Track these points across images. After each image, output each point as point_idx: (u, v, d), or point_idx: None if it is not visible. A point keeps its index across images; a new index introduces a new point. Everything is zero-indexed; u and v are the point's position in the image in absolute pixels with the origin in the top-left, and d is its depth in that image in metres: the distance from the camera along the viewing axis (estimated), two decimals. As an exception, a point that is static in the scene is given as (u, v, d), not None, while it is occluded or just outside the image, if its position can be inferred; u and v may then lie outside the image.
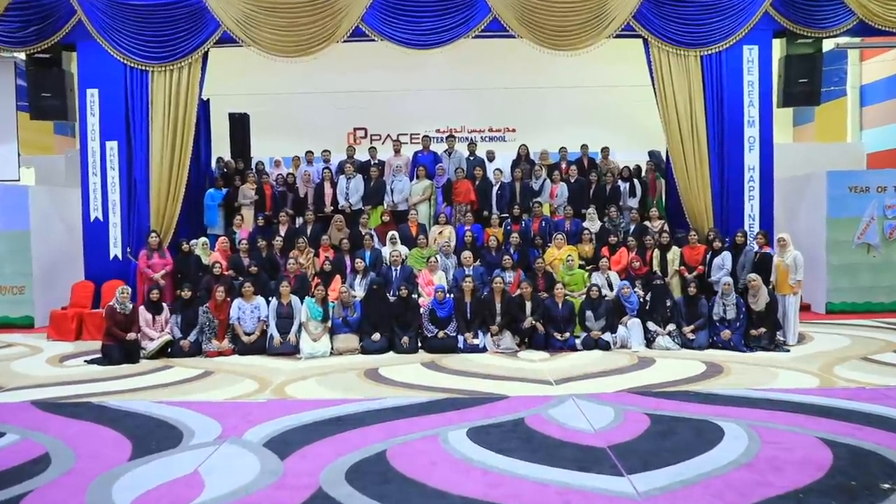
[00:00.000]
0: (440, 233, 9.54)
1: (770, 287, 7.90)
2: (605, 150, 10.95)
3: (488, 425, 4.96)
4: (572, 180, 10.30)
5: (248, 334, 7.79)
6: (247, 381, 6.48)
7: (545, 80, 13.79)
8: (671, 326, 7.80)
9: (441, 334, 7.71)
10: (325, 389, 6.17)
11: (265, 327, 7.89)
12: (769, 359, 7.12)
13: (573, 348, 7.69)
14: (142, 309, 7.78)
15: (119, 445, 4.64)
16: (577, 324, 7.96)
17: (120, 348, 7.39)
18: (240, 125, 12.51)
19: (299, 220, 10.02)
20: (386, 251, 9.14)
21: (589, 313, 7.87)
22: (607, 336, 7.76)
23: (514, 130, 14.69)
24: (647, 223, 9.70)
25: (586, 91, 13.94)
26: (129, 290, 7.75)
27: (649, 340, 7.79)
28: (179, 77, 9.51)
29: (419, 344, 7.85)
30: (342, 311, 7.94)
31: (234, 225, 9.78)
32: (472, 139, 11.06)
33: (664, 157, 10.66)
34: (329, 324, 7.89)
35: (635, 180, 10.52)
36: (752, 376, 6.37)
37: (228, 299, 8.00)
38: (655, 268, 8.88)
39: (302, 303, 7.94)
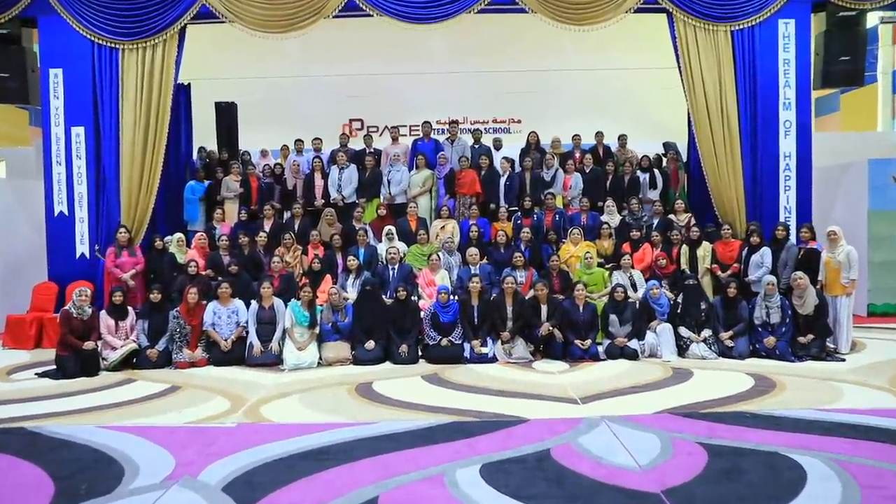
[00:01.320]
0: (442, 228, 8.53)
1: (818, 287, 6.89)
2: (622, 139, 9.93)
3: (506, 460, 3.95)
4: (587, 170, 9.28)
5: (225, 342, 6.78)
6: (217, 400, 5.46)
7: (553, 70, 12.80)
8: (707, 332, 6.79)
9: (444, 342, 6.70)
10: (308, 410, 5.15)
11: (244, 334, 6.88)
12: (825, 370, 6.11)
13: (595, 357, 6.67)
14: (103, 314, 6.76)
15: (38, 489, 3.62)
16: (600, 329, 6.95)
17: (76, 359, 6.36)
18: (227, 115, 11.50)
19: (287, 215, 9.00)
20: (382, 248, 8.13)
21: (613, 317, 6.86)
22: (634, 343, 6.75)
23: (519, 122, 13.63)
24: (671, 216, 8.68)
25: (596, 81, 12.87)
26: (88, 291, 6.72)
27: (682, 348, 6.78)
28: (153, 56, 8.49)
29: (419, 353, 6.84)
30: (332, 316, 6.92)
31: (215, 219, 8.77)
32: (477, 128, 10.01)
33: (678, 149, 9.71)
34: (317, 330, 6.88)
35: (656, 171, 9.51)
36: (813, 393, 5.36)
37: (203, 302, 6.99)
38: (683, 266, 7.88)
39: (286, 306, 6.93)
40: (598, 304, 7.13)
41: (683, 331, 6.83)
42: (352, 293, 7.37)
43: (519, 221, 8.47)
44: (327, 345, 6.80)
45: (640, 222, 8.56)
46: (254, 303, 6.94)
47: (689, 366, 6.36)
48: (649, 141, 10.67)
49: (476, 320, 6.86)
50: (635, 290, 7.52)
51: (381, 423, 4.71)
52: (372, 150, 9.50)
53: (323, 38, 13.02)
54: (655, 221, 8.61)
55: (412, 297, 7.31)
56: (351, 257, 7.69)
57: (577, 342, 6.71)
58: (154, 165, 8.57)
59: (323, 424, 4.69)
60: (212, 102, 11.36)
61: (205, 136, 10.82)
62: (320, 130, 11.32)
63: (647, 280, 7.71)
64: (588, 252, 7.80)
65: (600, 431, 4.47)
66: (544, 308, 6.85)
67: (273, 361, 6.66)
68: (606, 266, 8.03)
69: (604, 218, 8.63)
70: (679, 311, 6.94)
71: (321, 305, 7.06)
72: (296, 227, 8.59)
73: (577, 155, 9.59)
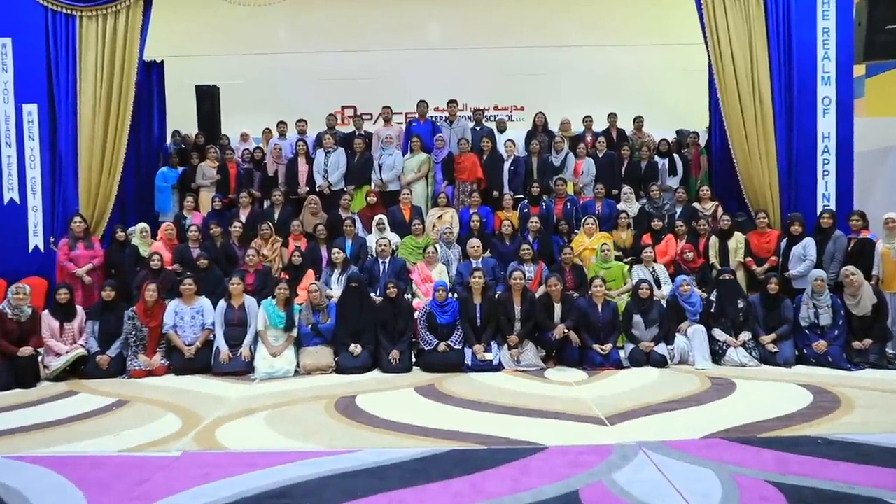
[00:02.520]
0: (440, 217, 7.54)
1: (873, 284, 5.92)
2: (638, 121, 8.96)
3: (524, 509, 2.98)
4: (600, 155, 8.30)
5: (189, 346, 5.79)
6: (168, 418, 4.48)
7: (558, 55, 11.82)
8: (746, 335, 5.81)
9: (442, 347, 5.72)
10: (274, 433, 4.15)
11: (211, 338, 5.90)
12: (892, 382, 5.13)
13: (617, 365, 5.69)
14: (46, 314, 5.77)
15: None
16: (621, 332, 5.97)
17: (9, 368, 5.38)
18: (208, 100, 10.59)
19: (267, 204, 8.03)
20: (372, 239, 7.15)
21: (637, 318, 5.87)
22: (661, 348, 5.77)
23: (522, 109, 12.65)
24: (695, 205, 7.71)
25: (603, 67, 11.90)
26: (28, 289, 5.73)
27: (716, 353, 5.80)
28: (115, 24, 7.49)
29: (413, 360, 5.86)
30: (312, 317, 5.94)
31: (185, 208, 7.79)
32: (478, 109, 8.97)
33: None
34: (294, 333, 5.90)
35: (675, 156, 8.55)
36: (891, 412, 4.38)
37: (165, 301, 6.00)
38: (713, 259, 6.90)
39: (259, 305, 5.95)
40: (619, 304, 6.16)
41: (719, 333, 5.85)
42: (336, 291, 6.39)
43: (526, 210, 7.49)
44: (306, 350, 5.81)
45: (661, 211, 7.58)
46: (222, 302, 5.95)
47: (729, 375, 5.38)
48: (662, 130, 9.70)
49: (479, 322, 5.87)
50: (659, 286, 6.54)
51: (363, 451, 3.73)
52: (362, 133, 8.51)
53: (313, 20, 12.16)
54: (678, 210, 7.64)
55: (405, 295, 6.34)
56: (336, 250, 6.71)
57: (596, 347, 5.73)
58: (117, 148, 7.58)
59: (289, 454, 3.71)
60: (192, 86, 10.51)
61: (185, 122, 9.87)
62: (310, 117, 10.35)
63: (671, 276, 6.75)
64: (605, 244, 6.82)
65: (639, 463, 3.49)
66: (558, 307, 5.87)
67: (243, 370, 5.67)
68: (625, 260, 7.06)
69: (621, 206, 7.65)
70: (713, 310, 5.96)
71: (299, 305, 6.08)
72: (276, 216, 7.61)
73: (589, 138, 8.61)
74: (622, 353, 5.85)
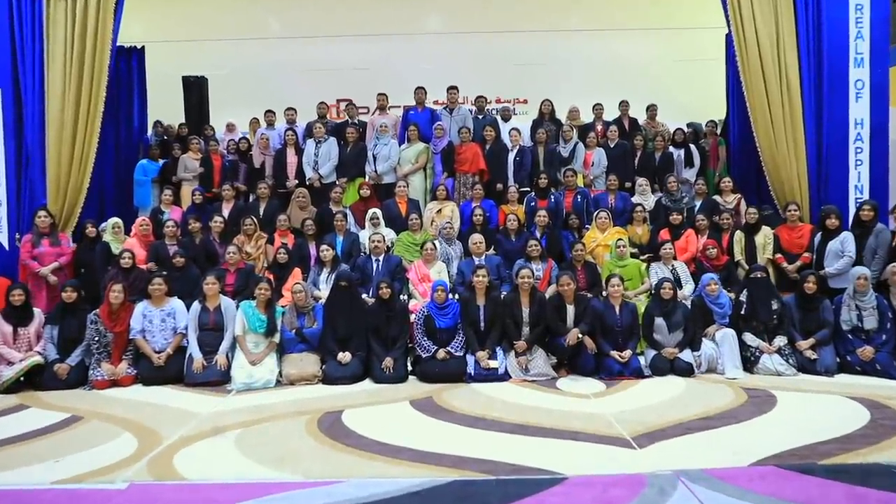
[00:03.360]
0: (439, 211, 6.90)
1: (921, 282, 5.27)
2: (651, 109, 8.33)
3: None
4: (612, 145, 7.66)
5: (158, 353, 5.15)
6: (123, 439, 3.83)
7: (560, 44, 11.20)
8: (781, 340, 5.17)
9: (442, 354, 5.07)
10: (244, 458, 3.50)
11: (184, 344, 5.25)
12: (955, 393, 4.48)
13: (638, 374, 5.05)
14: (-3, 318, 5.14)
15: None
16: (641, 337, 5.33)
17: (-48, 378, 4.75)
18: (196, 91, 10.02)
19: (253, 198, 7.38)
20: (365, 236, 6.51)
21: (660, 321, 5.23)
22: (687, 355, 5.12)
23: (525, 102, 12.03)
24: (716, 198, 7.07)
25: (609, 56, 11.26)
26: (-23, 289, 5.11)
27: (748, 361, 5.15)
28: (86, 5, 6.84)
29: (408, 368, 5.21)
30: (296, 321, 5.30)
31: (163, 202, 7.14)
32: (481, 97, 8.29)
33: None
34: (276, 339, 5.25)
35: (692, 146, 7.90)
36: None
37: (135, 303, 5.36)
38: (738, 256, 6.27)
39: (238, 307, 5.31)
40: (638, 305, 5.51)
41: (750, 338, 5.21)
42: (324, 291, 5.74)
43: (533, 203, 6.85)
44: (290, 357, 5.17)
45: (679, 205, 6.94)
46: (196, 304, 5.30)
47: (765, 385, 4.73)
48: (672, 121, 9.05)
49: (482, 325, 5.23)
50: (680, 286, 5.89)
51: (345, 483, 3.09)
52: (355, 122, 7.88)
53: (306, 6, 11.52)
54: (698, 204, 7.00)
55: (400, 297, 5.71)
56: (325, 247, 6.06)
57: (614, 353, 5.08)
58: (89, 138, 6.91)
59: (256, 486, 3.07)
60: (179, 76, 9.92)
61: (171, 114, 9.26)
62: (304, 110, 9.72)
63: (692, 274, 6.11)
64: (620, 239, 6.18)
65: (680, 499, 2.85)
66: (570, 309, 5.22)
67: (218, 379, 5.03)
68: (642, 257, 6.42)
69: (636, 199, 7.01)
70: (743, 312, 5.31)
71: (283, 307, 5.44)
72: (261, 210, 6.98)
73: (600, 127, 7.96)
74: (642, 360, 5.21)
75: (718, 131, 8.27)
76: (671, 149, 7.87)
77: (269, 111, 8.21)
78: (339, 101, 12.07)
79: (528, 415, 4.15)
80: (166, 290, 5.30)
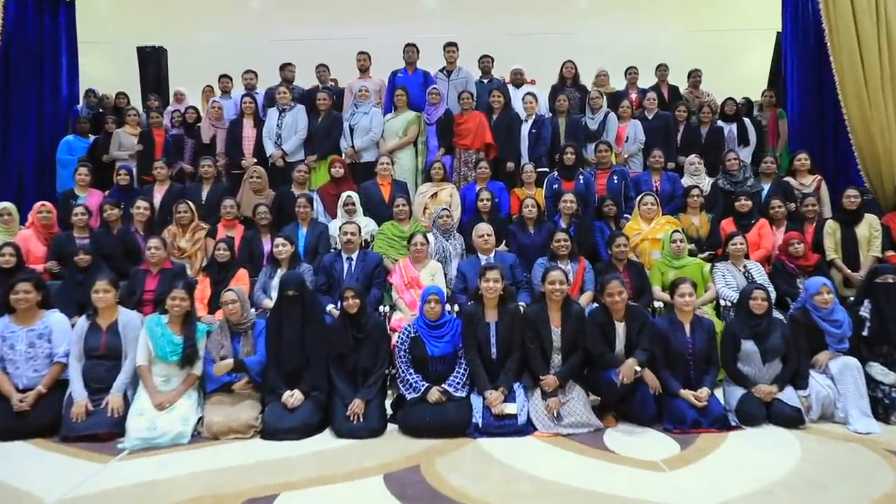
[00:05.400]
0: (434, 195, 5.26)
1: None
2: (694, 75, 6.69)
3: None
4: (649, 117, 6.02)
5: (24, 392, 3.46)
6: None
7: (572, 21, 9.52)
8: (924, 374, 3.51)
9: (435, 395, 3.40)
10: None
11: (66, 376, 3.57)
12: None
13: (723, 423, 3.37)
14: None
15: None
16: (722, 367, 3.67)
17: None
18: (153, 63, 8.43)
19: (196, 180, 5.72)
20: (335, 226, 4.85)
21: (749, 347, 3.56)
22: (790, 395, 3.46)
23: (533, 83, 10.33)
24: (788, 179, 5.43)
25: (630, 34, 9.59)
26: None
27: (880, 403, 3.48)
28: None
29: (387, 414, 3.54)
30: (228, 346, 3.61)
31: (77, 184, 5.47)
32: (486, 56, 6.56)
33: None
34: (197, 371, 3.58)
35: (746, 120, 6.27)
36: None
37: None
38: (831, 254, 4.63)
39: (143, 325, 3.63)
40: (718, 323, 3.86)
41: (880, 371, 3.55)
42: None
43: (556, 186, 5.19)
44: (215, 400, 3.50)
45: (742, 188, 5.30)
46: (81, 320, 3.62)
47: (919, 445, 3.08)
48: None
49: (494, 352, 3.54)
50: (757, 294, 4.24)
51: None
52: (328, 86, 6.22)
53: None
54: (766, 188, 5.35)
55: (378, 309, 4.05)
56: (281, 240, 4.41)
57: (687, 394, 3.42)
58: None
59: None
60: (133, 48, 8.41)
61: (125, 88, 7.60)
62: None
63: (770, 276, 4.47)
64: (676, 231, 4.53)
65: None
66: (620, 328, 3.55)
67: (107, 432, 3.34)
68: (700, 255, 4.78)
69: (686, 181, 5.36)
70: (866, 333, 3.65)
71: (208, 325, 3.76)
72: (203, 194, 5.32)
73: (634, 96, 6.32)
74: (718, 395, 3.55)
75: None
76: (720, 123, 6.24)
77: (224, 76, 6.56)
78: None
79: (568, 498, 2.49)
80: (38, 299, 3.61)
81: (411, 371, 3.49)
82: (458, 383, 3.46)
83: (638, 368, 3.37)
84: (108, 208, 4.86)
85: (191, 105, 6.34)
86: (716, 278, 4.42)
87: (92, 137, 6.47)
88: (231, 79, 6.56)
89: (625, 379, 3.31)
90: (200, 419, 3.45)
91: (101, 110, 6.88)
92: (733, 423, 3.40)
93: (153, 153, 6.10)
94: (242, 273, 4.46)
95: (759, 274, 4.44)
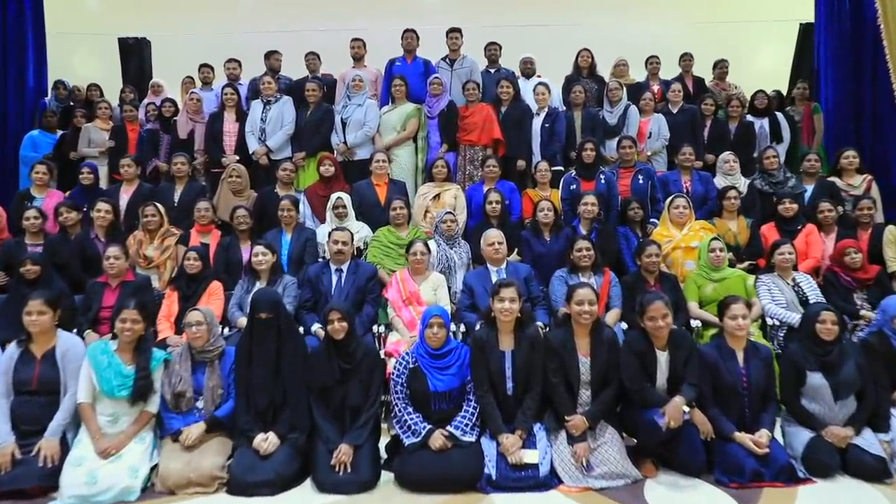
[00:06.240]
0: (436, 197, 4.63)
1: None
2: (720, 66, 6.06)
3: None
4: (674, 110, 5.40)
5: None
6: None
7: (577, 12, 8.87)
8: None
9: (439, 441, 2.76)
10: None
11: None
12: None
13: (789, 475, 2.75)
14: None
15: None
16: (782, 404, 3.04)
17: None
18: (136, 55, 7.89)
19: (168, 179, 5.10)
20: (323, 232, 4.23)
21: (817, 380, 2.91)
22: (869, 441, 2.84)
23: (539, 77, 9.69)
24: (833, 180, 4.81)
25: (635, 25, 8.96)
26: None
27: (972, 449, 2.87)
28: None
29: (381, 460, 2.91)
30: (188, 378, 2.97)
31: (35, 183, 4.84)
32: (494, 44, 5.90)
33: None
34: (153, 408, 2.94)
35: (778, 114, 5.67)
36: None
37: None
38: (894, 265, 4.01)
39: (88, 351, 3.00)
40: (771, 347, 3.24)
41: (974, 410, 2.93)
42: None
43: (573, 186, 4.57)
44: (170, 445, 2.87)
45: (782, 189, 4.69)
46: (13, 347, 2.99)
47: None
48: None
49: (510, 387, 2.90)
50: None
51: None
52: (318, 76, 5.61)
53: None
54: (809, 189, 4.73)
55: (372, 330, 3.43)
56: (261, 248, 3.78)
57: (743, 438, 2.79)
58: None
59: None
60: (115, 39, 7.84)
61: (106, 85, 6.96)
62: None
63: (821, 288, 3.86)
64: (715, 238, 3.91)
65: None
66: (663, 357, 2.92)
67: (37, 487, 2.72)
68: (739, 265, 4.16)
69: (720, 182, 4.74)
70: (952, 362, 3.03)
71: (166, 352, 3.12)
72: (176, 196, 4.70)
73: (656, 87, 5.70)
74: (778, 436, 2.93)
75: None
76: (748, 117, 5.63)
77: (204, 65, 5.93)
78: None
79: None
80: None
81: (410, 410, 2.86)
82: (466, 425, 2.84)
83: (686, 409, 2.75)
84: (65, 211, 4.25)
85: (168, 98, 5.70)
86: (760, 293, 3.80)
87: (60, 133, 5.86)
88: (213, 69, 5.93)
89: (672, 423, 2.69)
90: (154, 468, 2.82)
91: (71, 104, 6.25)
92: (801, 475, 2.78)
93: (126, 149, 5.49)
94: (216, 286, 3.84)
95: (811, 288, 3.83)
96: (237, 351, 2.98)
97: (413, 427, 2.82)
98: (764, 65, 7.97)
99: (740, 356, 2.98)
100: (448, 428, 2.82)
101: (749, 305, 3.06)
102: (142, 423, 2.90)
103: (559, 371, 2.89)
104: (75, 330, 3.59)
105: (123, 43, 7.93)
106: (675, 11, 8.60)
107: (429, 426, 2.81)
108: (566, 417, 2.85)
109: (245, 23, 8.80)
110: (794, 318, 3.60)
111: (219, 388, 2.96)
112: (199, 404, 2.94)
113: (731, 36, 8.11)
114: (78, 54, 8.40)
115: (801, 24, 7.31)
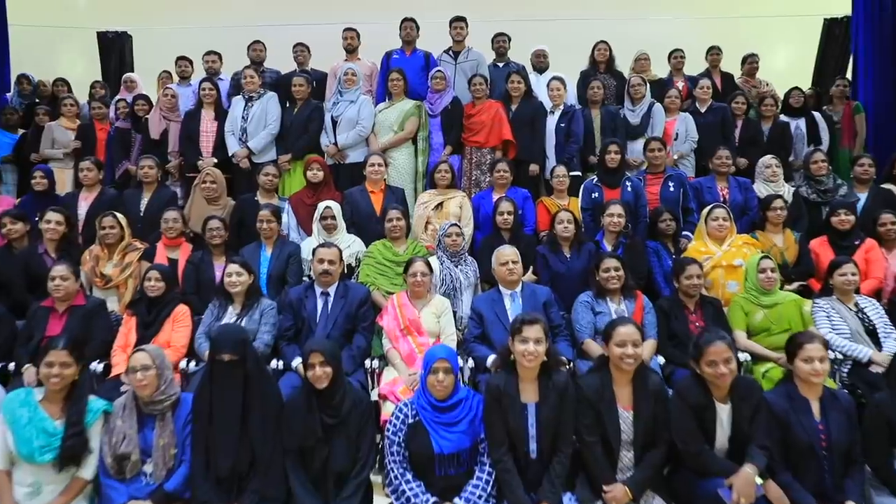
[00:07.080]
0: (438, 207, 4.04)
1: None
2: (750, 61, 5.51)
3: None
4: (702, 109, 4.84)
5: None
6: None
7: (579, 7, 8.29)
8: None
9: (443, 518, 2.20)
10: None
11: None
12: None
13: (885, 564, 2.18)
14: None
15: None
16: (870, 470, 2.45)
17: None
18: (116, 50, 7.41)
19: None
20: (310, 246, 3.64)
21: (919, 440, 2.36)
22: (981, 515, 2.27)
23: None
24: (889, 187, 4.24)
25: (640, 21, 8.37)
26: None
27: None
28: None
29: (373, 541, 2.34)
30: (133, 436, 2.37)
31: (-18, 189, 4.27)
32: (502, 34, 5.32)
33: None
34: (87, 475, 2.35)
35: (816, 114, 5.12)
36: None
37: None
38: (972, 289, 3.44)
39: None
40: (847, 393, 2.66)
41: None
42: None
43: (595, 195, 4.00)
44: (110, 518, 2.28)
45: (831, 197, 4.12)
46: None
47: None
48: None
49: (534, 447, 2.31)
50: (876, 340, 3.08)
51: None
52: (306, 70, 5.03)
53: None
54: (862, 198, 4.16)
55: (364, 365, 2.85)
56: (235, 267, 3.20)
57: (827, 514, 2.22)
58: None
59: None
60: (93, 33, 7.33)
61: (82, 81, 6.40)
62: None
63: (888, 314, 3.28)
64: (766, 257, 3.33)
65: None
66: (724, 411, 2.34)
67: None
68: (787, 286, 3.58)
69: (762, 189, 4.17)
70: None
71: (106, 402, 2.52)
72: (142, 204, 4.11)
73: (682, 84, 5.13)
74: (867, 514, 2.36)
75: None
76: (782, 117, 5.08)
77: (182, 58, 5.34)
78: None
79: None
80: None
81: (409, 477, 2.28)
82: (479, 497, 2.25)
83: (759, 480, 2.17)
84: (9, 222, 3.65)
85: (142, 94, 5.11)
86: (818, 320, 3.23)
87: (21, 132, 5.28)
88: (192, 62, 5.35)
89: (743, 501, 2.10)
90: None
91: (36, 100, 5.67)
92: (897, 559, 2.21)
93: (94, 151, 4.92)
94: (182, 311, 3.25)
95: (878, 315, 3.26)
96: (194, 401, 2.39)
97: (413, 500, 2.23)
98: (783, 62, 7.48)
99: (816, 407, 2.40)
100: (457, 500, 2.24)
101: (826, 345, 2.47)
102: (72, 493, 2.31)
103: (595, 428, 2.31)
104: (13, 364, 3.03)
105: (103, 37, 7.40)
106: (689, 6, 8.09)
107: (433, 499, 2.22)
108: (604, 487, 2.26)
109: (235, 16, 8.22)
110: (864, 351, 3.03)
111: (171, 448, 2.37)
112: (147, 468, 2.34)
113: (749, 32, 7.62)
114: (56, 49, 7.86)
115: (825, 20, 6.80)
